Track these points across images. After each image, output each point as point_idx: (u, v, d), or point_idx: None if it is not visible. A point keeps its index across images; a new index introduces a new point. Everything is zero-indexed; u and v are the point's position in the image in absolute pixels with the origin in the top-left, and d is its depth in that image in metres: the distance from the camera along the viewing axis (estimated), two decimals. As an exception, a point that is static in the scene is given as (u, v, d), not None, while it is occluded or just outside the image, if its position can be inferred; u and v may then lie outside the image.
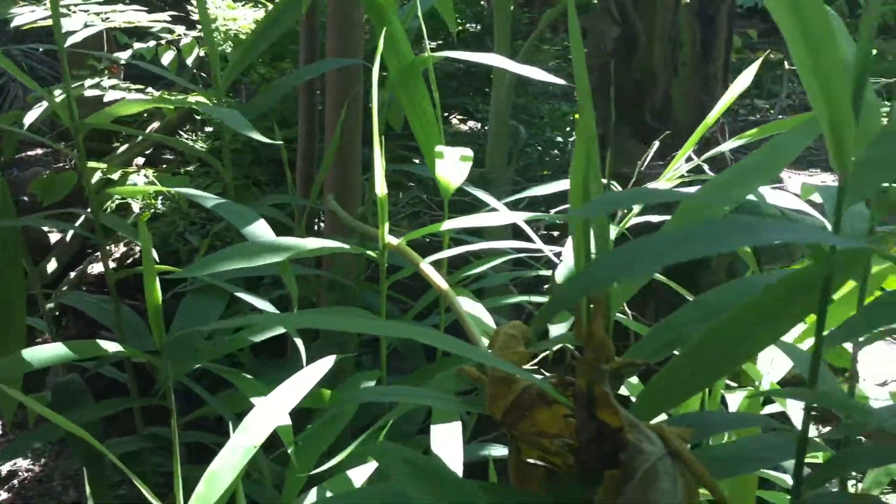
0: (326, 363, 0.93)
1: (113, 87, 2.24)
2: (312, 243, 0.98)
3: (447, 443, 1.00)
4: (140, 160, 3.00)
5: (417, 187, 1.90)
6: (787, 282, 0.67)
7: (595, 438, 0.65)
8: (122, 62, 2.62)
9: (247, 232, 0.98)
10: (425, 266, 1.00)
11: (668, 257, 0.43)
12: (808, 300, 0.67)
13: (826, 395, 0.71)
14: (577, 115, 2.28)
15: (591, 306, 0.67)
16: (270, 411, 0.88)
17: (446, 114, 2.37)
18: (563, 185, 1.30)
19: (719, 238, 0.46)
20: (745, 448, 0.77)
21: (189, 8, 2.59)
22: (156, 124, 2.97)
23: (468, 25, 2.60)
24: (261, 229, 0.99)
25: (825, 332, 0.66)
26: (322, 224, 1.62)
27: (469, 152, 1.04)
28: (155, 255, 1.02)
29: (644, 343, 0.79)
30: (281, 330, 1.05)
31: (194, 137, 2.16)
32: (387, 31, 1.12)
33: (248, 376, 1.01)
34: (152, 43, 2.55)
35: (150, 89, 2.33)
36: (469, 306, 1.09)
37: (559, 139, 2.14)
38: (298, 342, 0.97)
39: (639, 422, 0.62)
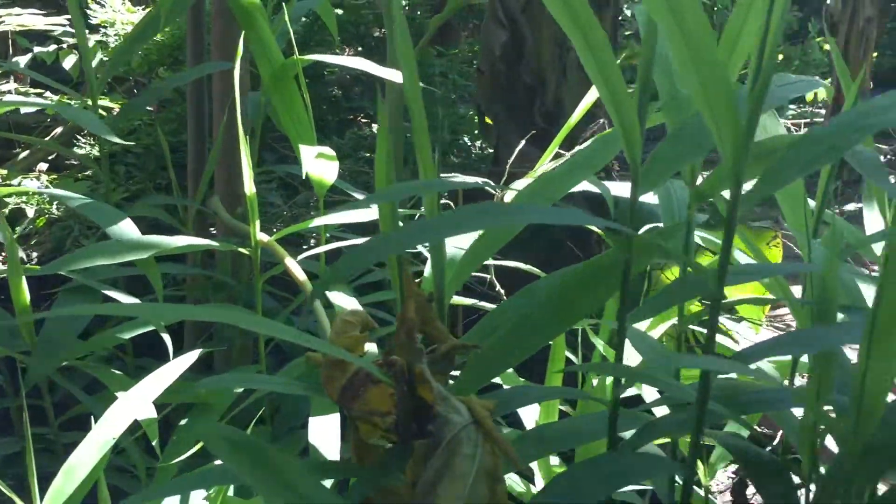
0: (190, 357, 0.96)
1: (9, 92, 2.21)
2: (178, 241, 1.01)
3: (323, 433, 1.04)
4: (44, 165, 2.95)
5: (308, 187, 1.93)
6: (590, 266, 0.74)
7: (414, 413, 0.70)
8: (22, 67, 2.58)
9: (111, 231, 1.00)
10: (289, 261, 1.04)
11: (418, 240, 0.49)
12: (610, 283, 0.74)
13: (627, 368, 0.77)
14: (475, 117, 2.35)
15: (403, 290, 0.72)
16: (131, 405, 0.91)
17: (351, 116, 2.41)
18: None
19: (471, 221, 0.52)
20: (562, 427, 0.84)
21: (89, 11, 2.57)
22: (59, 129, 2.92)
23: (381, 30, 2.65)
24: (126, 228, 1.01)
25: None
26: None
27: (331, 151, 1.08)
28: (22, 253, 1.03)
29: (477, 328, 0.85)
30: (151, 327, 1.07)
31: (93, 142, 2.15)
32: (256, 36, 1.16)
33: (117, 372, 1.03)
34: (53, 47, 2.52)
35: (47, 93, 2.30)
36: (340, 299, 1.14)
37: (462, 141, 2.20)
38: (166, 337, 1.00)
39: (449, 395, 0.67)
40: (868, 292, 0.93)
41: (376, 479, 0.68)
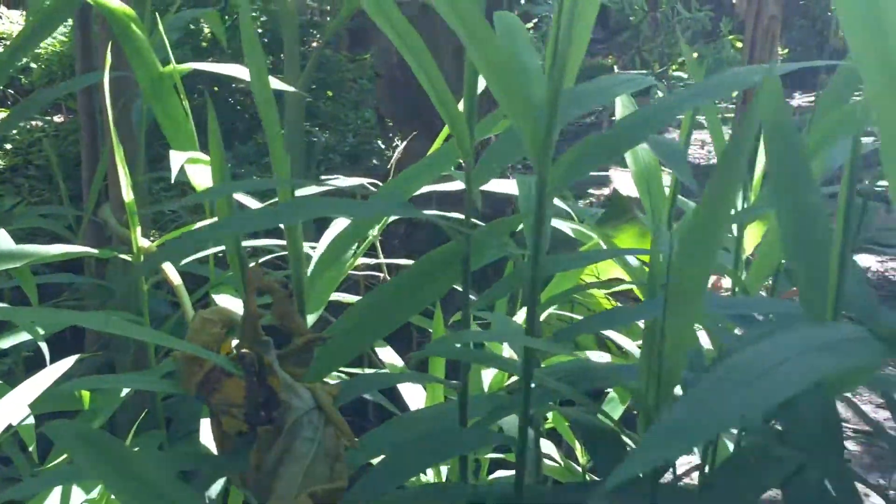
0: (65, 364, 0.97)
1: None
2: (53, 250, 1.02)
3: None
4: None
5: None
6: (432, 258, 0.79)
7: (265, 402, 0.74)
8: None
9: (-17, 241, 1.01)
10: (166, 266, 1.06)
11: (243, 227, 0.53)
12: (451, 273, 0.79)
13: (460, 350, 0.82)
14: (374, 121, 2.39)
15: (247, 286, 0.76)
16: (5, 411, 0.92)
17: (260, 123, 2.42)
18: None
19: (298, 212, 0.56)
20: (429, 411, 0.89)
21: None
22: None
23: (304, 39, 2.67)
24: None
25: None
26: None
27: (204, 157, 1.11)
28: None
29: (339, 320, 0.90)
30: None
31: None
32: (132, 45, 1.18)
33: (-2, 382, 1.04)
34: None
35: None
36: (226, 301, 1.17)
37: (374, 144, 2.24)
38: (43, 346, 1.02)
39: (294, 383, 0.71)
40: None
41: (225, 467, 0.71)
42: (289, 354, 0.81)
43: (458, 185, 1.33)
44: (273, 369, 0.72)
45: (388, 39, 2.13)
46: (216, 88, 2.49)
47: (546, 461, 1.22)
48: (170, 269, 1.05)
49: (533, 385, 0.86)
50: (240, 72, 1.20)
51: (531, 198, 1.06)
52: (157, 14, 1.25)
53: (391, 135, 2.33)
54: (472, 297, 0.78)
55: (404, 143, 1.67)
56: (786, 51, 7.42)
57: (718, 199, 0.64)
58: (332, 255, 0.88)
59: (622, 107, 1.26)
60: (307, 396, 0.70)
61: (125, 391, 1.16)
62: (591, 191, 3.16)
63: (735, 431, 0.92)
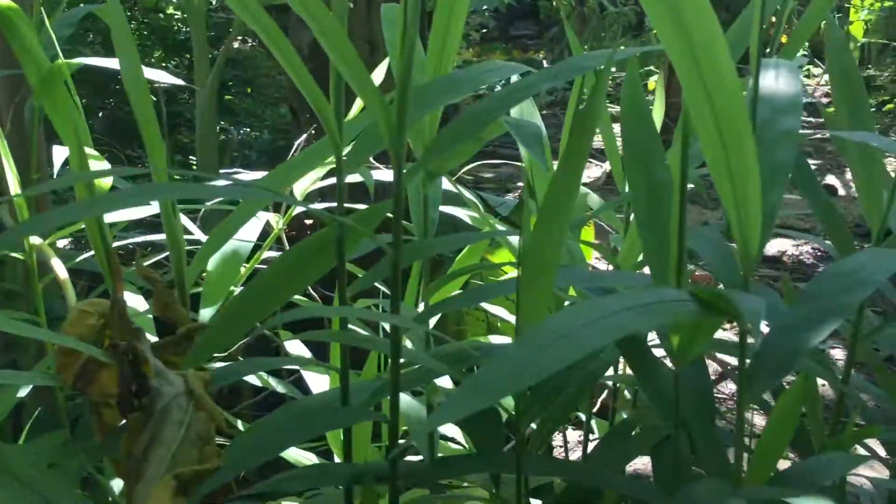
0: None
1: None
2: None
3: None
4: None
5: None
6: (307, 245, 0.81)
7: (137, 390, 0.74)
8: None
9: None
10: (55, 261, 1.05)
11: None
12: (325, 259, 0.81)
13: (336, 333, 0.84)
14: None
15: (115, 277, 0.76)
16: None
17: (178, 122, 2.41)
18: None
19: (130, 198, 0.57)
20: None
21: None
22: None
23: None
24: None
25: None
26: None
27: (95, 153, 1.10)
28: None
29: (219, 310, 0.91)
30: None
31: None
32: (20, 43, 1.16)
33: None
34: None
35: None
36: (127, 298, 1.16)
37: (283, 143, 2.24)
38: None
39: (165, 369, 0.72)
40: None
41: (98, 455, 0.72)
42: (169, 344, 0.82)
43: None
44: (145, 357, 0.73)
45: (298, 33, 2.12)
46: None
47: (451, 444, 1.24)
48: (57, 265, 1.04)
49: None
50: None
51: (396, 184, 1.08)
52: (42, 9, 1.23)
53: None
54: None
55: (303, 136, 1.68)
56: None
57: (566, 176, 0.67)
58: (213, 247, 0.89)
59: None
60: (179, 383, 0.71)
61: (24, 391, 1.15)
62: (520, 184, 3.21)
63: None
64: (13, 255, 1.13)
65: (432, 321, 1.24)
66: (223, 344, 0.79)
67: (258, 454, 0.68)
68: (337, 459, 1.14)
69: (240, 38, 2.50)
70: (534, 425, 0.81)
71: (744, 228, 0.59)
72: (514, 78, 0.85)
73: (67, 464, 0.77)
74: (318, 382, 1.20)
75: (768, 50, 1.11)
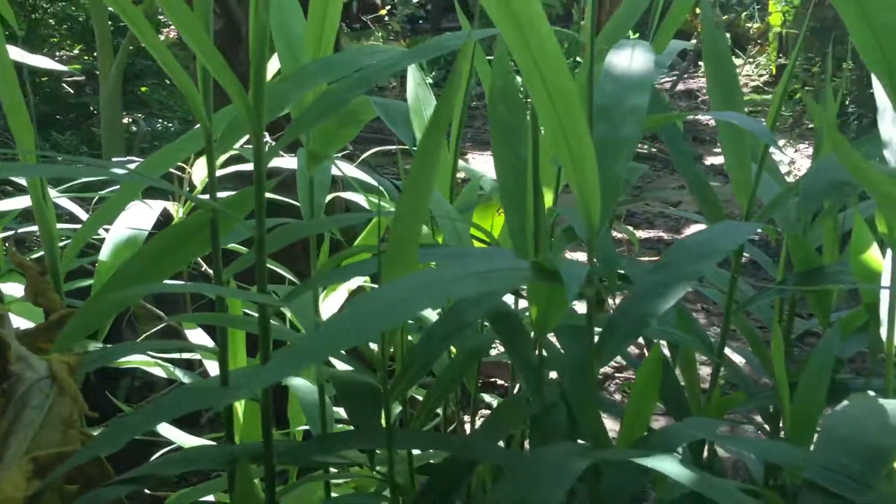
0: None
1: None
2: None
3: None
4: None
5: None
6: (181, 226, 0.80)
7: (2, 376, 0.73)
8: None
9: None
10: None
11: None
12: (200, 240, 0.81)
13: (221, 317, 0.84)
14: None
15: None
16: None
17: (86, 113, 2.36)
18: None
19: None
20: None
21: None
22: None
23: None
24: None
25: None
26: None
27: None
28: None
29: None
30: None
31: None
32: None
33: None
34: None
35: None
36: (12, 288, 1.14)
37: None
38: None
39: (29, 354, 0.72)
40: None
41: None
42: (42, 330, 0.81)
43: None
44: (6, 342, 0.72)
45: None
46: (45, 79, 2.39)
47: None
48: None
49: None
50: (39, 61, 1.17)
51: (256, 166, 1.09)
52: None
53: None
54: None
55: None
56: (637, 34, 7.79)
57: (425, 156, 0.69)
58: (87, 232, 0.88)
59: (412, 79, 1.30)
60: (42, 367, 0.71)
61: None
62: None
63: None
64: None
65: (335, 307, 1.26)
66: (92, 327, 0.78)
67: (128, 432, 0.68)
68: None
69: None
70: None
71: (585, 199, 0.62)
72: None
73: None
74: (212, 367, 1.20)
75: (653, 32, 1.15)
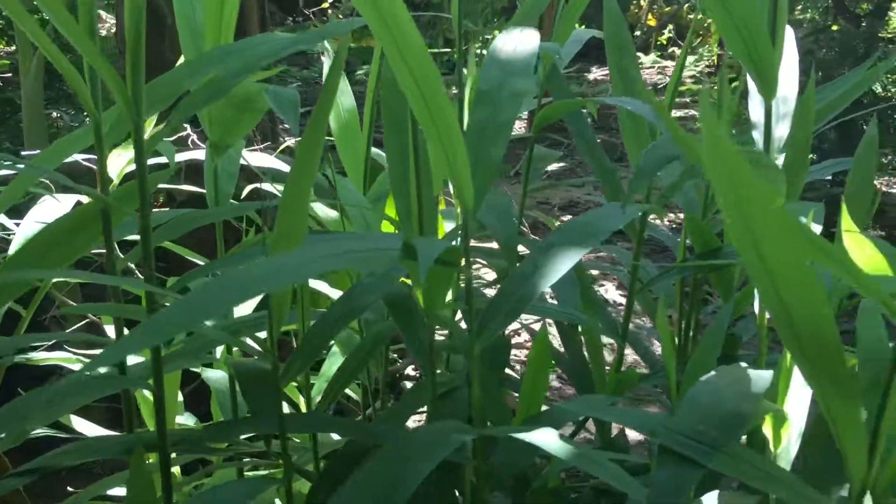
0: None
1: None
2: None
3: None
4: None
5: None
6: (73, 216, 0.80)
7: None
8: None
9: None
10: None
11: None
12: (92, 231, 0.80)
13: (112, 306, 0.84)
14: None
15: None
16: None
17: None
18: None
19: None
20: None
21: None
22: None
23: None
24: None
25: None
26: None
27: None
28: None
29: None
30: None
31: None
32: None
33: None
34: None
35: None
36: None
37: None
38: None
39: None
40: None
41: None
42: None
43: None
44: None
45: (119, 18, 2.04)
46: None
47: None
48: None
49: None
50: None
51: (137, 155, 1.08)
52: None
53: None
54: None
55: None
56: (583, 26, 7.85)
57: (308, 146, 0.69)
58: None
59: (328, 68, 1.31)
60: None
61: None
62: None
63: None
64: None
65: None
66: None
67: (19, 422, 0.68)
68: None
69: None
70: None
71: (458, 181, 0.63)
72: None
73: None
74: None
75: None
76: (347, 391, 1.27)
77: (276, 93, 0.78)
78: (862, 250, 0.68)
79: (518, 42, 0.78)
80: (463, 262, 0.67)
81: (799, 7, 3.99)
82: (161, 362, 0.74)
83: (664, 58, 6.92)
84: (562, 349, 1.11)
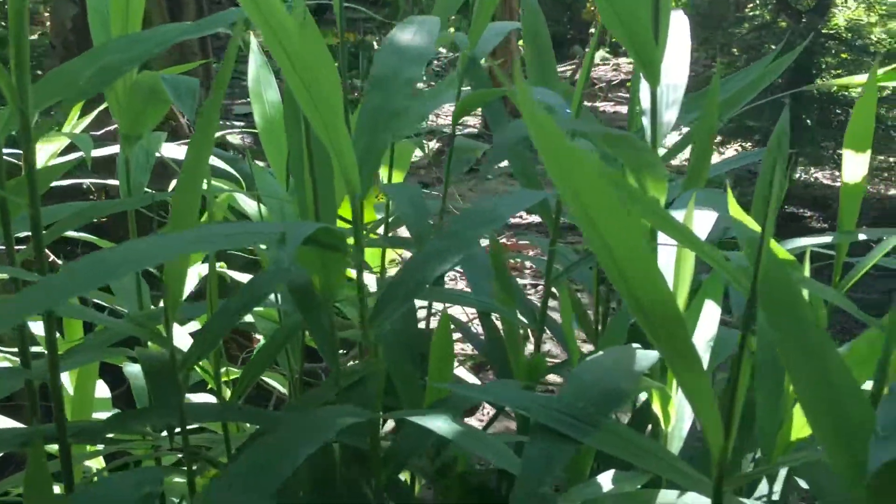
0: None
1: None
2: None
3: None
4: None
5: None
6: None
7: None
8: None
9: None
10: None
11: None
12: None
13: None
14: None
15: None
16: None
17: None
18: None
19: None
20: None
21: None
22: None
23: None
24: None
25: None
26: None
27: None
28: None
29: None
30: None
31: None
32: None
33: None
34: None
35: None
36: None
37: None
38: None
39: None
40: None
41: None
42: None
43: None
44: None
45: (60, 10, 2.03)
46: None
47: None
48: None
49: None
50: None
51: (24, 143, 1.08)
52: None
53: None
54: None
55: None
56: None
57: (202, 133, 0.69)
58: None
59: (253, 62, 1.30)
60: None
61: None
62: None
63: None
64: None
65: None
66: None
67: None
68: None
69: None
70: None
71: (343, 164, 0.63)
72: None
73: None
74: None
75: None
76: (276, 384, 1.27)
77: (174, 81, 0.78)
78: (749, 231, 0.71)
79: (417, 31, 0.79)
80: (353, 246, 0.67)
81: (750, 5, 4.07)
82: (56, 353, 0.74)
83: (618, 55, 7.00)
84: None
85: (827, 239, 0.85)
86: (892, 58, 3.39)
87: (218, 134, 1.62)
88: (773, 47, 3.65)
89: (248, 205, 1.18)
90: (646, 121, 0.75)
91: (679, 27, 0.77)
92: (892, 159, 3.94)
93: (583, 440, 0.56)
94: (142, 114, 0.91)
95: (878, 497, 0.43)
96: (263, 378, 1.28)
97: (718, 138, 3.75)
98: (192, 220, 0.70)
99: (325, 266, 0.69)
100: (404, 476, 1.01)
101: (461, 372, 1.86)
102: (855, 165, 0.85)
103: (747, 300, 0.47)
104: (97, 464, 1.05)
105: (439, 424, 0.65)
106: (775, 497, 0.76)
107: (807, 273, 0.74)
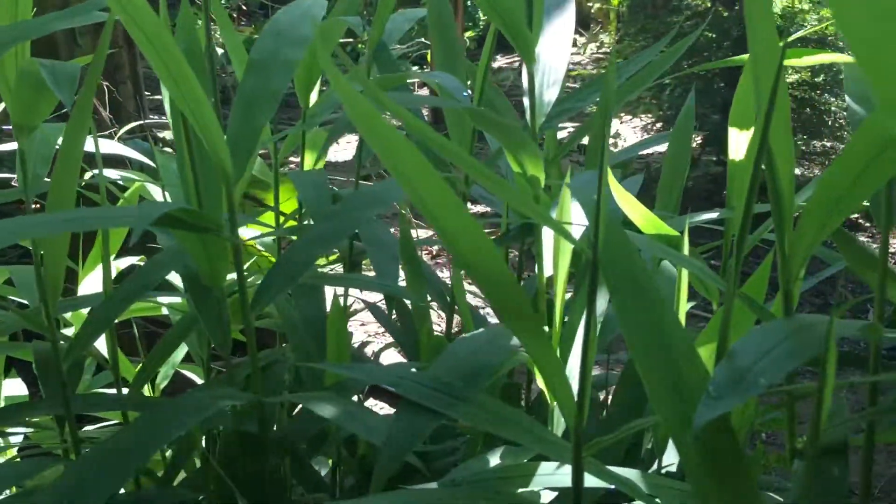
0: None
1: None
2: None
3: None
4: None
5: None
6: None
7: None
8: None
9: None
10: None
11: None
12: None
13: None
14: None
15: None
16: None
17: None
18: None
19: None
20: None
21: None
22: None
23: None
24: None
25: None
26: None
27: None
28: None
29: None
30: None
31: None
32: None
33: None
34: None
35: None
36: None
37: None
38: None
39: None
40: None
41: None
42: None
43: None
44: None
45: None
46: None
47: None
48: None
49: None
50: None
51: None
52: None
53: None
54: None
55: None
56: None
57: (77, 120, 0.69)
58: None
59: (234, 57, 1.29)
60: None
61: None
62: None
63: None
64: None
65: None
66: None
67: None
68: None
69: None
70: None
71: (213, 147, 0.63)
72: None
73: None
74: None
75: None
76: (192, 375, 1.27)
77: (52, 67, 0.77)
78: (633, 210, 0.73)
79: (300, 14, 0.79)
80: (231, 231, 0.67)
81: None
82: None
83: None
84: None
85: (713, 214, 0.87)
86: (822, 43, 3.47)
87: (135, 124, 1.60)
88: (713, 35, 3.71)
89: (158, 194, 1.16)
90: (526, 100, 0.76)
91: (561, 10, 0.78)
92: (828, 144, 4.03)
93: (448, 413, 0.57)
94: (34, 104, 0.90)
95: (703, 455, 0.45)
96: (187, 372, 1.27)
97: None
98: (68, 205, 0.69)
99: (207, 251, 0.69)
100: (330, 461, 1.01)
101: (391, 354, 1.87)
102: (739, 143, 0.87)
103: (591, 265, 0.48)
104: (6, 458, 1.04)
105: (320, 407, 0.65)
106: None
107: (686, 249, 0.76)
